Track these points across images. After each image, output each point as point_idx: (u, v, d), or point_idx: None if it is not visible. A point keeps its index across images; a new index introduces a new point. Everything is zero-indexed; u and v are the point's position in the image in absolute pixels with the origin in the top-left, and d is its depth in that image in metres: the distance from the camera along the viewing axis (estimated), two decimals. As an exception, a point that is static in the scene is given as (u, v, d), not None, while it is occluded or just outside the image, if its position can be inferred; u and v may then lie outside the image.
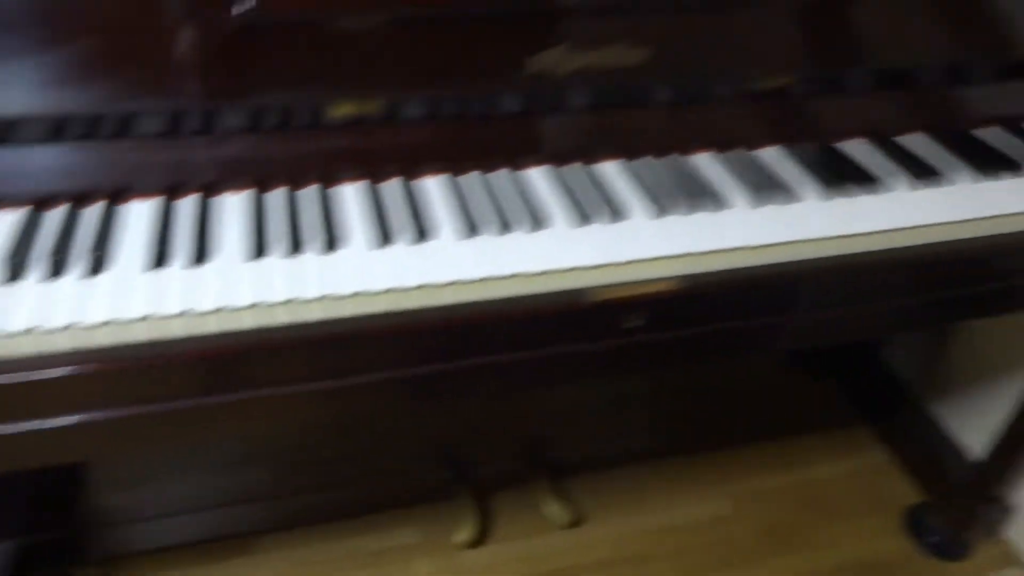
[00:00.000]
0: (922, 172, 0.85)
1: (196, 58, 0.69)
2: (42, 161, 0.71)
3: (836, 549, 1.46)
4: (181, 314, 0.62)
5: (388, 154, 0.78)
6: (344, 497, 1.36)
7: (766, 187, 0.81)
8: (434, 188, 0.78)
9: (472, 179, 0.79)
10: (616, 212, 0.76)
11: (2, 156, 0.71)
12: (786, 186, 0.81)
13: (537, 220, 0.74)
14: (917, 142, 0.91)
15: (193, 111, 0.72)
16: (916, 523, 1.48)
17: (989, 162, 0.88)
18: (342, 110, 0.76)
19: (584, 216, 0.75)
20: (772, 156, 0.86)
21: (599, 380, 1.53)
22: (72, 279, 0.65)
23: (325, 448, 1.45)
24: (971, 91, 0.96)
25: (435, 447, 1.42)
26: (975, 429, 1.47)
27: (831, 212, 0.79)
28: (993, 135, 0.94)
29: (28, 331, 0.59)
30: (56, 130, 0.71)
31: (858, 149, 0.89)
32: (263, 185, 0.76)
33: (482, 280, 0.68)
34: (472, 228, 0.73)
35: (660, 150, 0.84)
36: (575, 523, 1.44)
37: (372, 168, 0.78)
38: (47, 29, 0.66)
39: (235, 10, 0.68)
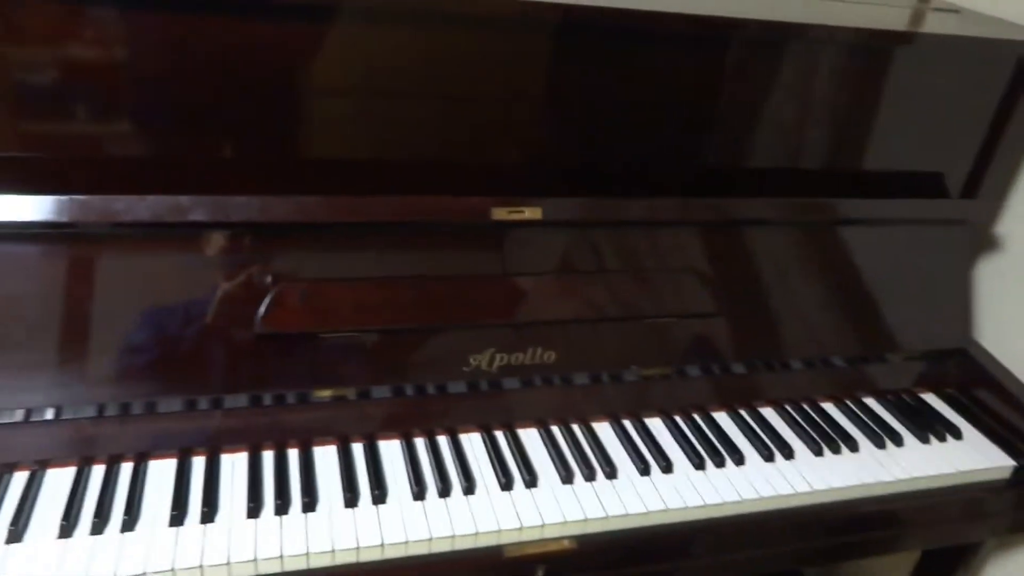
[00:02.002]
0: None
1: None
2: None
3: None
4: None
5: (357, 424, 1.01)
6: None
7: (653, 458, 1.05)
8: (391, 451, 1.01)
9: (419, 443, 1.02)
10: (533, 477, 0.99)
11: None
12: (667, 457, 1.05)
13: (470, 485, 0.96)
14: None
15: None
16: None
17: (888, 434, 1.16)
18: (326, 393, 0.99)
19: (508, 482, 0.98)
20: (658, 426, 1.11)
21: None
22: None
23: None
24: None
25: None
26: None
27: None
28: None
29: None
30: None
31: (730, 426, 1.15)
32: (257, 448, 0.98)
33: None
34: (421, 491, 0.95)
35: (566, 422, 1.08)
36: None
37: (343, 435, 1.01)
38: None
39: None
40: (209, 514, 0.88)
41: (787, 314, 1.19)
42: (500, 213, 0.98)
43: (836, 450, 1.12)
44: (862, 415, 1.20)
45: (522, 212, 0.99)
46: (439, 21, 0.97)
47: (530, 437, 1.06)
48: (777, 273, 1.18)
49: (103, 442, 0.94)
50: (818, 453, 1.11)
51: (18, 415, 0.92)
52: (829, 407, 1.22)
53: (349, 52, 0.96)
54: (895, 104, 1.19)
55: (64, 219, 0.87)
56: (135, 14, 0.87)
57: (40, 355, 0.90)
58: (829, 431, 1.15)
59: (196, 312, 0.93)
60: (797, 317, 1.19)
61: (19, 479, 0.90)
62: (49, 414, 0.93)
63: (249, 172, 0.97)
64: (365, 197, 0.94)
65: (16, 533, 0.84)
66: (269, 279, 0.94)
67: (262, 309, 0.94)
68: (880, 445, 1.14)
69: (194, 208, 0.89)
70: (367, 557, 0.88)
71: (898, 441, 1.15)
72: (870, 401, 1.24)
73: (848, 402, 1.23)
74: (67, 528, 0.85)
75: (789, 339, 1.19)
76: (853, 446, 1.13)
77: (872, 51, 1.14)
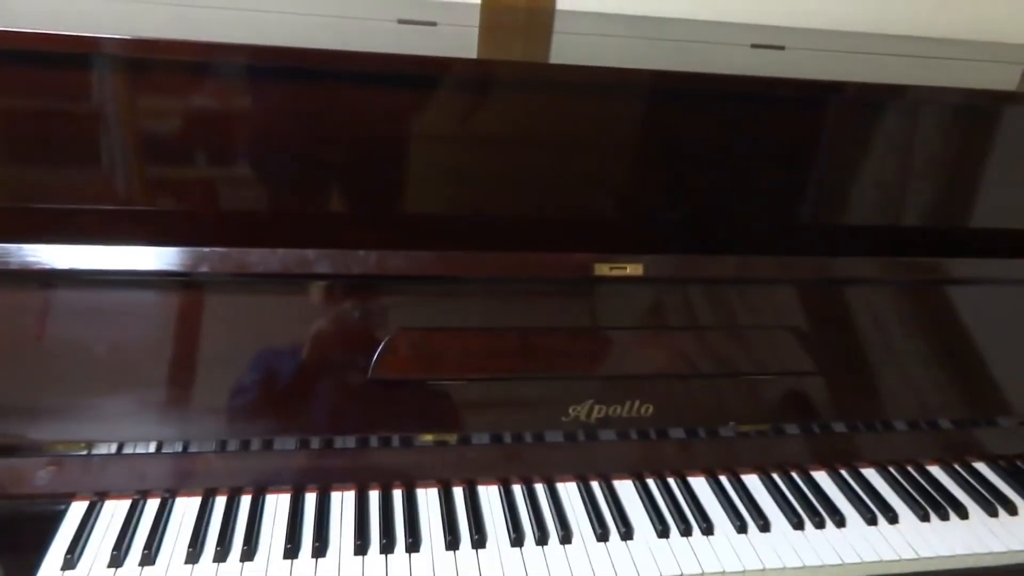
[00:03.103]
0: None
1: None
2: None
3: None
4: None
5: (457, 469, 1.05)
6: None
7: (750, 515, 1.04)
8: (489, 497, 1.04)
9: (517, 490, 1.05)
10: (628, 530, 1.00)
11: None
12: (764, 516, 1.04)
13: (567, 534, 0.99)
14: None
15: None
16: None
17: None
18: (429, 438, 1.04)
19: (604, 533, 0.99)
20: (755, 483, 1.11)
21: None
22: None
23: None
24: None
25: None
26: None
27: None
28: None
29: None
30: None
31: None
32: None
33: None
34: (519, 538, 0.97)
35: (662, 475, 1.09)
36: None
37: (444, 479, 1.05)
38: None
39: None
40: (320, 549, 0.93)
41: (890, 374, 1.17)
42: (602, 269, 1.02)
43: (944, 516, 1.08)
44: (971, 480, 1.16)
45: (624, 269, 1.02)
46: (544, 87, 1.03)
47: (625, 489, 1.07)
48: (880, 332, 1.16)
49: (225, 475, 1.01)
50: (924, 518, 1.08)
51: (151, 447, 1.00)
52: (936, 471, 1.18)
53: (458, 116, 1.02)
54: (1004, 161, 1.17)
55: (204, 269, 0.95)
56: (264, 82, 0.96)
57: (170, 392, 0.98)
58: (936, 496, 1.11)
59: (313, 357, 1.00)
60: (901, 377, 1.17)
61: (151, 506, 0.98)
62: (178, 447, 1.01)
63: (361, 226, 1.04)
64: (475, 253, 0.99)
65: (149, 557, 0.91)
66: (382, 328, 1.00)
67: (375, 356, 1.00)
68: (992, 513, 1.10)
69: (319, 261, 0.97)
70: (468, 601, 0.91)
71: (1011, 509, 1.11)
72: (980, 466, 1.20)
73: (956, 466, 1.19)
74: (193, 555, 0.91)
75: (892, 399, 1.17)
76: (962, 512, 1.09)
77: (979, 110, 1.14)
